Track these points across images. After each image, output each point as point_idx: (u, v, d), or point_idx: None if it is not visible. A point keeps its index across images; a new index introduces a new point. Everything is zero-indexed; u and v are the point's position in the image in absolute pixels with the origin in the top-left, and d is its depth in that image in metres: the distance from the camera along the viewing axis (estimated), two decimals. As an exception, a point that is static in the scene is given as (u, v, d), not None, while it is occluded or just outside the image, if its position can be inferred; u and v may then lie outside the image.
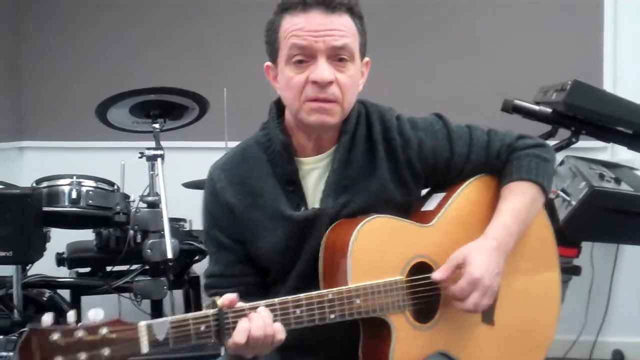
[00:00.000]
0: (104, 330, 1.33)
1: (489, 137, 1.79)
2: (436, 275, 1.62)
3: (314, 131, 1.67)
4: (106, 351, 1.32)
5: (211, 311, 1.42)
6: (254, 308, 1.45)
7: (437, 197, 1.77)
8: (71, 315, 1.34)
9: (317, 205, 1.67)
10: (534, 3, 3.73)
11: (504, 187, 1.76)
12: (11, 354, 2.55)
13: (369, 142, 1.71)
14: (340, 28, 1.57)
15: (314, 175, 1.70)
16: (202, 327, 1.40)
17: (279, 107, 1.73)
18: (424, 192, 1.82)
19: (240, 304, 1.45)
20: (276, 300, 1.48)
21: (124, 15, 4.05)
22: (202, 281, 1.79)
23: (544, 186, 1.76)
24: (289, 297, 1.49)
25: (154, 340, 1.36)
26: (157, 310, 3.15)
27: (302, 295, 1.50)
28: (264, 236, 1.68)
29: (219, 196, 1.71)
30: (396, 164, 1.70)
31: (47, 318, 1.32)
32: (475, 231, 1.69)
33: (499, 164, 1.79)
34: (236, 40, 3.95)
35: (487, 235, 1.67)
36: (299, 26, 1.57)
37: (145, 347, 1.35)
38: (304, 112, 1.61)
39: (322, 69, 1.56)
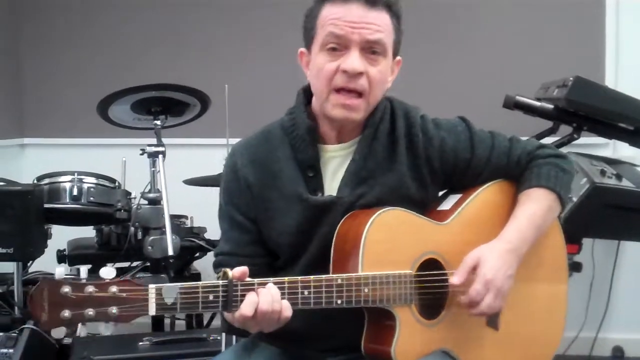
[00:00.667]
0: (114, 289, 1.36)
1: (510, 143, 1.80)
2: (454, 280, 1.62)
3: (338, 124, 1.69)
4: (114, 309, 1.36)
5: (221, 282, 1.44)
6: (263, 283, 1.47)
7: (454, 198, 1.78)
8: (84, 272, 1.39)
9: (334, 193, 1.69)
10: (536, -1, 3.74)
11: (521, 193, 1.76)
12: (11, 350, 2.55)
13: (392, 137, 1.72)
14: (377, 23, 1.61)
15: (334, 162, 1.72)
16: (211, 297, 1.43)
17: (306, 93, 1.75)
18: (441, 193, 1.83)
19: (250, 279, 1.47)
20: (285, 279, 1.50)
21: (125, 11, 4.05)
22: (214, 259, 1.80)
23: (562, 196, 1.76)
24: (299, 278, 1.52)
25: (162, 303, 1.39)
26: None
27: (311, 277, 1.52)
28: (278, 217, 1.70)
29: (238, 173, 1.73)
30: (416, 161, 1.72)
31: (61, 270, 1.37)
32: (490, 234, 1.70)
33: (518, 170, 1.80)
34: (238, 37, 3.95)
35: (501, 238, 1.68)
36: (337, 15, 1.60)
37: (152, 310, 1.39)
38: (330, 105, 1.64)
39: (354, 59, 1.59)
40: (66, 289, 1.34)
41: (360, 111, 1.64)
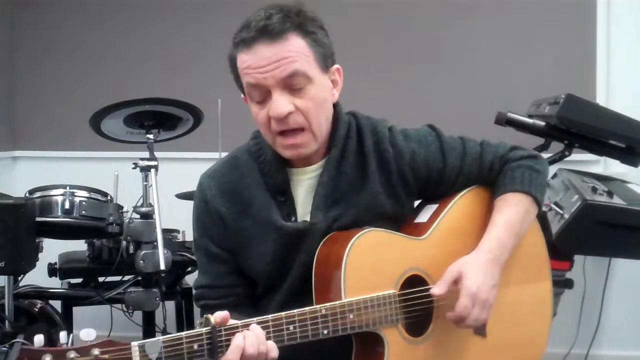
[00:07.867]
0: (95, 352, 1.32)
1: (481, 148, 1.79)
2: (435, 290, 1.61)
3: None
4: None
5: (204, 329, 1.41)
6: (247, 325, 1.44)
7: (430, 209, 1.77)
8: (63, 336, 1.34)
9: (307, 218, 1.66)
10: (527, 16, 3.75)
11: (497, 199, 1.75)
12: (1, 364, 2.53)
13: (360, 155, 1.69)
14: (286, 56, 1.52)
15: (305, 185, 1.69)
16: (195, 346, 1.40)
17: None
18: (416, 203, 1.81)
19: (233, 321, 1.44)
20: (269, 316, 1.47)
21: (118, 26, 4.06)
22: (193, 292, 1.78)
23: (537, 198, 1.76)
24: (282, 314, 1.49)
25: None
26: (149, 322, 3.13)
27: (295, 311, 1.50)
28: (253, 245, 1.67)
29: (209, 205, 1.70)
30: (388, 176, 1.70)
31: (39, 339, 1.32)
32: (469, 243, 1.69)
33: (492, 175, 1.79)
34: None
35: (481, 249, 1.67)
36: (247, 64, 1.56)
37: None
38: (279, 147, 1.61)
39: (277, 104, 1.54)
40: (47, 358, 1.30)
41: (309, 144, 1.60)
